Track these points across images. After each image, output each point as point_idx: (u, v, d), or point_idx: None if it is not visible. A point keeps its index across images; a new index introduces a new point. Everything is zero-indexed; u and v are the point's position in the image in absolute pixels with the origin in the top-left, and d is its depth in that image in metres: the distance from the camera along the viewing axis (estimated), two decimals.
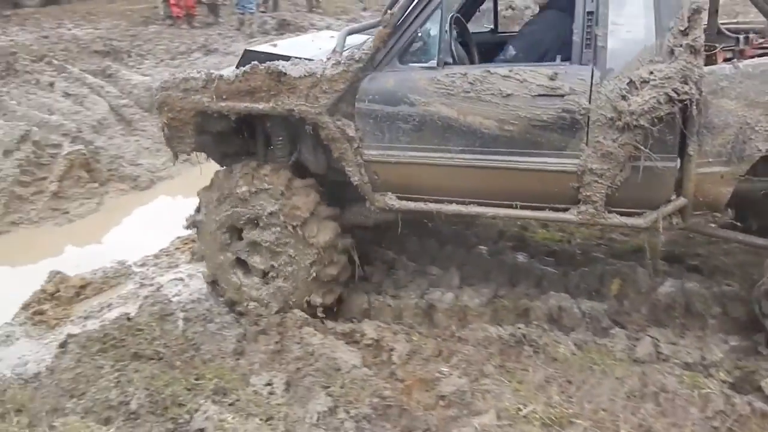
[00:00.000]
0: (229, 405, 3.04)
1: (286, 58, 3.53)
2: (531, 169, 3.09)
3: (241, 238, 3.89)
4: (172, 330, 3.73)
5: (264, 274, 3.91)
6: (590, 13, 2.88)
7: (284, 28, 13.71)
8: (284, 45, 4.20)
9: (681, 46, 2.67)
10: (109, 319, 4.28)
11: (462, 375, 3.08)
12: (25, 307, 4.74)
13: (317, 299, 3.76)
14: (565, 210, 3.14)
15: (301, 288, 3.74)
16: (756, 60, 2.85)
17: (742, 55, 3.09)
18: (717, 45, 3.25)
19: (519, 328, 3.39)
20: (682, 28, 2.67)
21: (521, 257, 4.36)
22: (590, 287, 3.82)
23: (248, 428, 2.75)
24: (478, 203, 3.33)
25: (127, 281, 5.01)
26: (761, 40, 3.25)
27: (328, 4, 17.14)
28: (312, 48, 3.85)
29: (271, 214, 3.62)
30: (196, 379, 3.35)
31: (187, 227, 4.34)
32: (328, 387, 3.13)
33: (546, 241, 4.62)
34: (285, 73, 3.34)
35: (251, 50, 3.84)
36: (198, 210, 4.09)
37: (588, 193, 3.00)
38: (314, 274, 3.66)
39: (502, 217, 3.54)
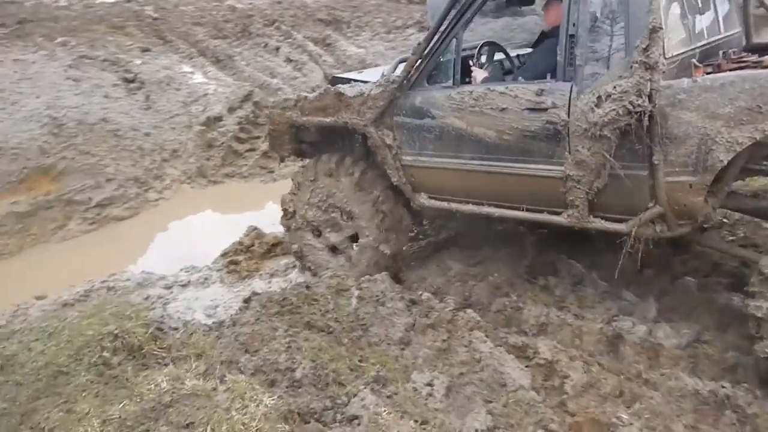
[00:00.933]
0: (387, 397, 2.97)
1: (363, 82, 4.18)
2: (528, 175, 3.43)
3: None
4: (345, 306, 3.75)
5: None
6: (572, 35, 3.15)
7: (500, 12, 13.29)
8: (367, 72, 5.03)
9: (637, 62, 2.84)
10: (291, 281, 4.49)
11: (644, 427, 2.69)
12: (224, 254, 5.16)
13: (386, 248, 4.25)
14: (559, 214, 3.43)
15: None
16: (716, 74, 2.91)
17: (719, 69, 3.05)
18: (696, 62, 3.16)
19: (723, 386, 2.87)
20: (644, 46, 2.82)
21: (736, 299, 3.71)
22: None
23: (402, 429, 2.66)
24: (490, 204, 3.76)
25: None
26: (741, 54, 3.21)
27: None
28: None
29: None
30: (360, 361, 3.34)
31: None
32: (490, 402, 2.94)
33: None
34: (343, 94, 4.03)
35: (337, 76, 4.83)
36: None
37: (571, 198, 3.28)
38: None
39: (509, 217, 3.85)
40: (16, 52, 7.77)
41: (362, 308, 3.74)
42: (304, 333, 3.52)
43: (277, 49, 9.99)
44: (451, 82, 3.68)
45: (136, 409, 2.77)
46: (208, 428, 2.63)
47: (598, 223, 3.30)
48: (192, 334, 3.57)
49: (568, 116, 3.13)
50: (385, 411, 2.79)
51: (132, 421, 2.70)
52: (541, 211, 3.53)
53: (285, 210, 4.68)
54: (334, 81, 4.51)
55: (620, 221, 3.24)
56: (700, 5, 3.51)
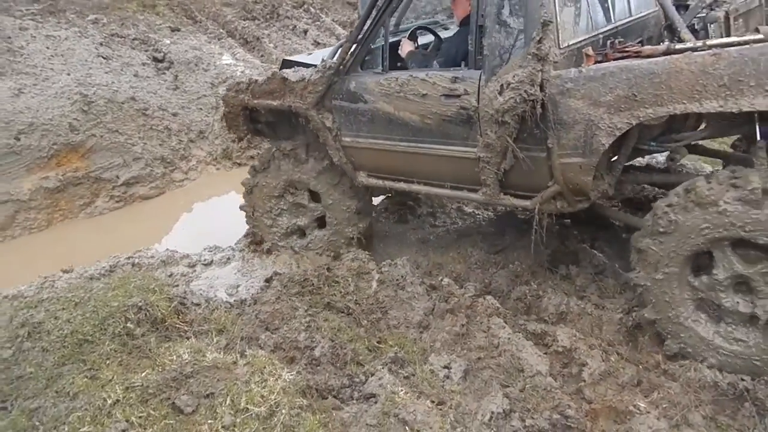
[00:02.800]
0: (404, 378, 3.00)
1: (310, 65, 4.36)
2: (448, 156, 3.67)
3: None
4: (365, 289, 3.78)
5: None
6: (481, 26, 3.34)
7: None
8: (316, 54, 5.30)
9: (530, 54, 3.06)
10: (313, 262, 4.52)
11: (661, 416, 2.68)
12: (247, 235, 5.20)
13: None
14: (476, 191, 3.71)
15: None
16: (599, 64, 3.11)
17: (606, 58, 3.23)
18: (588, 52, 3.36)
19: (743, 379, 2.84)
20: (537, 39, 3.03)
21: None
22: None
23: (418, 408, 2.68)
24: (419, 183, 4.01)
25: None
26: (625, 45, 3.38)
27: None
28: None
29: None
30: (378, 342, 3.38)
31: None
32: (507, 387, 2.95)
33: None
34: (287, 79, 4.20)
35: (287, 59, 4.92)
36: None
37: (483, 177, 3.54)
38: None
39: (433, 195, 4.40)
40: (48, 28, 7.87)
41: (382, 291, 3.77)
42: (324, 313, 3.56)
43: (305, 31, 9.99)
44: (380, 68, 3.88)
45: (158, 378, 2.83)
46: (228, 399, 2.68)
47: (508, 200, 3.61)
48: (214, 310, 3.63)
49: (478, 103, 3.37)
50: (402, 390, 2.81)
51: (154, 389, 2.77)
52: (462, 189, 3.81)
53: (265, 245, 4.91)
54: (285, 64, 4.73)
55: (528, 198, 3.52)
56: None
